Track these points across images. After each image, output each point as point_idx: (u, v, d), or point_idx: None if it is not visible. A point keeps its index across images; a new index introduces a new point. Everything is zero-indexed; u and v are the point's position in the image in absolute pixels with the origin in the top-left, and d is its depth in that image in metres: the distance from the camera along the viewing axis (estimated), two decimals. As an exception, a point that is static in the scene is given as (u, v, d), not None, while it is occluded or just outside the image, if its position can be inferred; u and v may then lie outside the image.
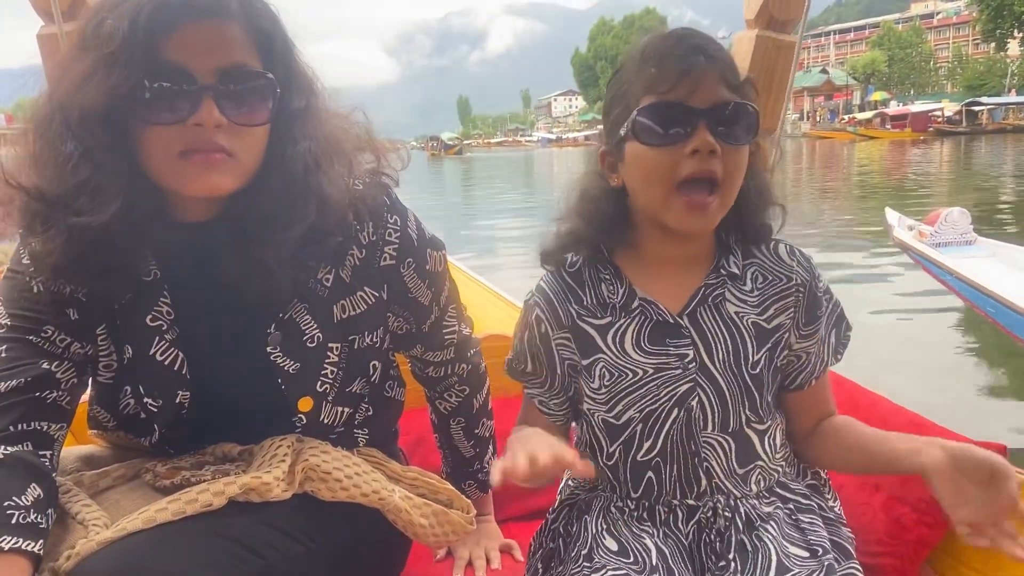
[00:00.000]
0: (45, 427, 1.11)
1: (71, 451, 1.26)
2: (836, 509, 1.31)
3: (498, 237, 13.55)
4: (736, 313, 1.24)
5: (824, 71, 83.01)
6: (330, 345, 1.23)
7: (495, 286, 3.23)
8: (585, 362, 1.26)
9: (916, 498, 1.53)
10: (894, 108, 65.68)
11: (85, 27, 1.07)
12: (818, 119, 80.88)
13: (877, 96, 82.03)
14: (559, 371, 1.30)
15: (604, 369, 1.24)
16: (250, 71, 1.09)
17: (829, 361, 1.32)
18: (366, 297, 1.27)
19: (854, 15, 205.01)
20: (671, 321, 1.22)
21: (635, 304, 1.24)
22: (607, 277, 1.26)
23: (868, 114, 66.47)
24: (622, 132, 1.17)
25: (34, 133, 1.08)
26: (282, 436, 1.19)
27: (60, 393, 1.14)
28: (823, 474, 1.36)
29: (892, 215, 5.98)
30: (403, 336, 1.40)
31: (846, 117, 72.94)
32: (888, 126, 57.86)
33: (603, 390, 1.24)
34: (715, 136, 1.11)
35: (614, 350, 1.24)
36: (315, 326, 1.21)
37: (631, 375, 1.23)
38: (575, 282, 1.28)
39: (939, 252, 5.04)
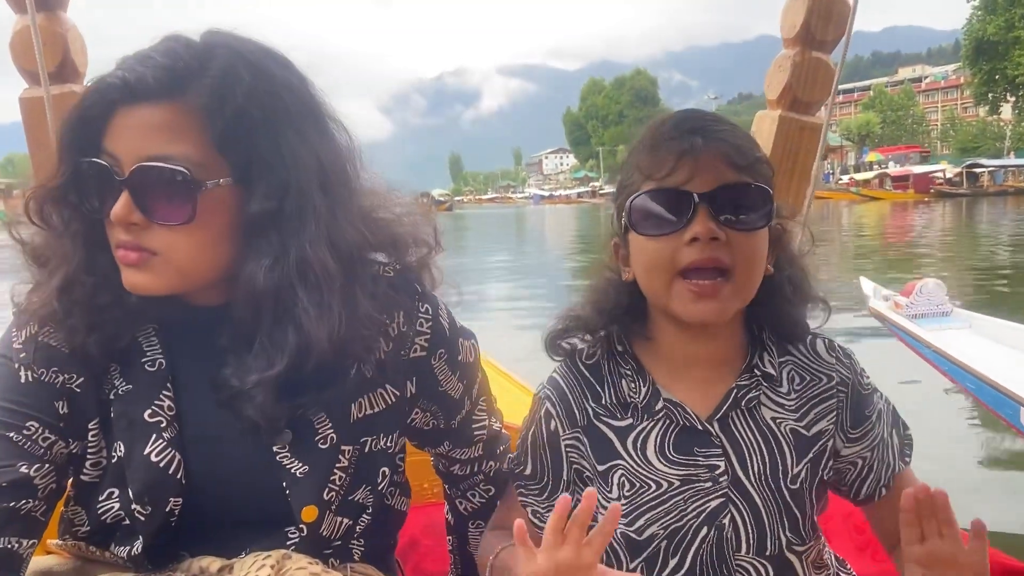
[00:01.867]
0: (15, 545, 1.01)
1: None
2: None
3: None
4: (773, 419, 1.13)
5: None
6: (343, 448, 1.11)
7: (510, 371, 2.84)
8: (601, 468, 1.14)
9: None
10: (895, 169, 64.70)
11: None
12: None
13: (872, 157, 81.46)
14: (564, 477, 1.17)
15: (624, 478, 1.13)
16: (168, 161, 0.97)
17: (896, 466, 1.18)
18: (387, 395, 1.16)
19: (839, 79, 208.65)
20: (699, 427, 1.12)
21: (659, 406, 1.13)
22: (628, 373, 1.16)
23: (869, 174, 66.13)
24: (623, 222, 1.11)
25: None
26: (267, 553, 1.04)
27: (36, 503, 1.04)
28: None
29: (867, 285, 5.88)
30: (430, 432, 1.29)
31: (844, 178, 71.99)
32: (890, 187, 56.87)
33: (623, 501, 1.12)
34: (718, 222, 1.04)
35: (635, 457, 1.13)
36: (330, 425, 1.10)
37: (654, 487, 1.12)
38: (593, 377, 1.18)
39: (915, 324, 4.94)
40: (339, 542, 1.16)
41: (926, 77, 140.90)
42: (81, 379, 1.07)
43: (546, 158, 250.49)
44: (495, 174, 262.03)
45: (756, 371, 1.14)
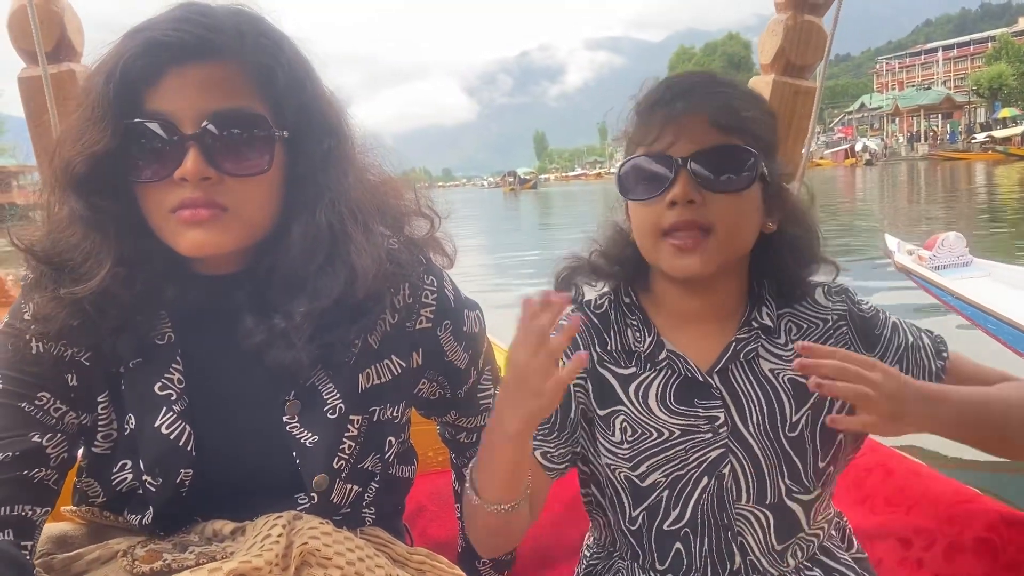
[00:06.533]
0: (29, 512, 1.02)
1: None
2: None
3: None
4: (771, 371, 1.15)
5: (928, 88, 74.29)
6: (351, 417, 1.13)
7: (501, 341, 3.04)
8: (602, 412, 1.18)
9: (966, 574, 1.46)
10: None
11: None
12: (938, 139, 71.56)
13: (1006, 112, 72.18)
14: (571, 416, 1.20)
15: (625, 423, 1.16)
16: (242, 114, 1.01)
17: (934, 363, 1.17)
18: (392, 367, 1.18)
19: (944, 34, 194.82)
20: (700, 379, 1.15)
21: (662, 356, 1.16)
22: (635, 323, 1.19)
23: (1012, 131, 57.18)
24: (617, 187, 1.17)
25: (48, 193, 1.07)
26: (277, 514, 1.06)
27: (48, 471, 1.06)
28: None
29: (892, 241, 6.15)
30: (436, 402, 1.32)
31: (979, 136, 63.64)
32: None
33: (625, 445, 1.16)
34: (699, 184, 1.06)
35: (636, 405, 1.16)
36: (337, 396, 1.12)
37: (655, 434, 1.14)
38: (601, 324, 1.21)
39: (938, 274, 5.28)
40: (348, 509, 1.17)
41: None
42: (89, 353, 1.07)
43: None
44: (580, 150, 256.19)
45: (754, 323, 1.16)
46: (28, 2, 1.64)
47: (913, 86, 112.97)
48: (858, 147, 76.82)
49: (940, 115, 79.69)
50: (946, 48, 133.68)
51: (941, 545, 1.48)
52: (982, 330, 4.82)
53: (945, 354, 1.19)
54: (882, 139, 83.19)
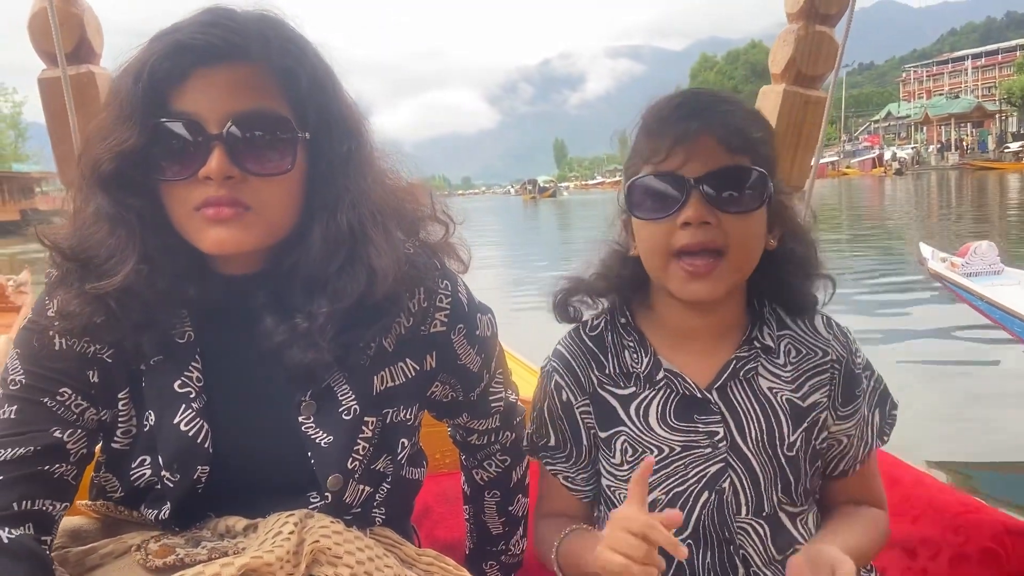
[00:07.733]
0: (48, 507, 1.05)
1: None
2: None
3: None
4: (770, 389, 1.18)
5: (957, 96, 73.46)
6: (366, 419, 1.15)
7: (511, 348, 2.95)
8: (604, 435, 1.21)
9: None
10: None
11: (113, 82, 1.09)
12: (967, 148, 70.60)
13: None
14: (585, 442, 1.24)
15: (626, 444, 1.19)
16: (266, 115, 1.04)
17: (873, 444, 1.24)
18: (406, 369, 1.21)
19: (969, 43, 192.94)
20: (699, 396, 1.17)
21: (660, 375, 1.18)
22: (631, 344, 1.21)
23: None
24: (624, 203, 1.17)
25: (74, 192, 1.09)
26: (289, 512, 1.09)
27: (67, 467, 1.08)
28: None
29: (926, 249, 6.30)
30: (449, 404, 1.35)
31: (1013, 145, 62.79)
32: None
33: (625, 466, 1.19)
34: (710, 206, 1.07)
35: (637, 424, 1.18)
36: (352, 397, 1.14)
37: (656, 452, 1.17)
38: (597, 347, 1.23)
39: (970, 281, 5.47)
40: (359, 509, 1.19)
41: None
42: (112, 350, 1.10)
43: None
44: (600, 159, 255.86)
45: (756, 343, 1.18)
46: (48, 4, 1.66)
47: (941, 95, 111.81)
48: (887, 155, 75.89)
49: (970, 124, 78.70)
50: (974, 56, 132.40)
51: (946, 555, 1.49)
52: (1010, 334, 5.10)
53: (886, 437, 1.25)
54: (914, 147, 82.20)
